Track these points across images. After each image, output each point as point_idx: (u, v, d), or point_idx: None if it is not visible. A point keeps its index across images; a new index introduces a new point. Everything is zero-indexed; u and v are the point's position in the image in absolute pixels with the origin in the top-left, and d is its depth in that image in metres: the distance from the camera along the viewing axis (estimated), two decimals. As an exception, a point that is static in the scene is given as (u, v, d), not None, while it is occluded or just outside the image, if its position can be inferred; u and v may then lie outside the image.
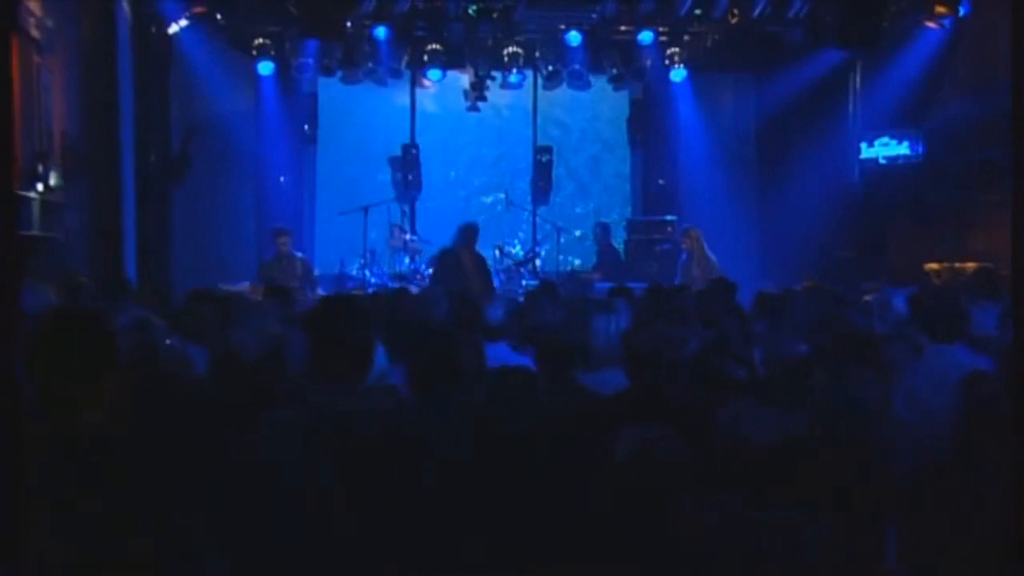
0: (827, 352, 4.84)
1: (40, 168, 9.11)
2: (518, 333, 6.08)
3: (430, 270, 13.29)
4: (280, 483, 3.14)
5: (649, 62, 14.95)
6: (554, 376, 4.66)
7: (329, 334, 3.39)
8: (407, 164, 15.51)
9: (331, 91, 15.48)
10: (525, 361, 5.24)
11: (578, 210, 15.85)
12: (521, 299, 9.65)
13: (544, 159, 15.83)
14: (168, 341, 4.24)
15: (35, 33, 9.30)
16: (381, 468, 3.08)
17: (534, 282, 12.93)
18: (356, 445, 3.13)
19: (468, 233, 12.00)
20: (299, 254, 12.37)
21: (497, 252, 13.58)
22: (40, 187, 9.13)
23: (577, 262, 14.65)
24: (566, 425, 3.23)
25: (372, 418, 3.18)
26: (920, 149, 13.14)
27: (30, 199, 8.93)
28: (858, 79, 14.54)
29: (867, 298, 7.18)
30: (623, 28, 14.52)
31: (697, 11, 13.30)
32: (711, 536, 2.63)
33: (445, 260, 11.97)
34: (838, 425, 3.35)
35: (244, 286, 10.61)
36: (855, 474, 3.22)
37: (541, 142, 15.94)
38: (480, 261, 11.98)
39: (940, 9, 12.54)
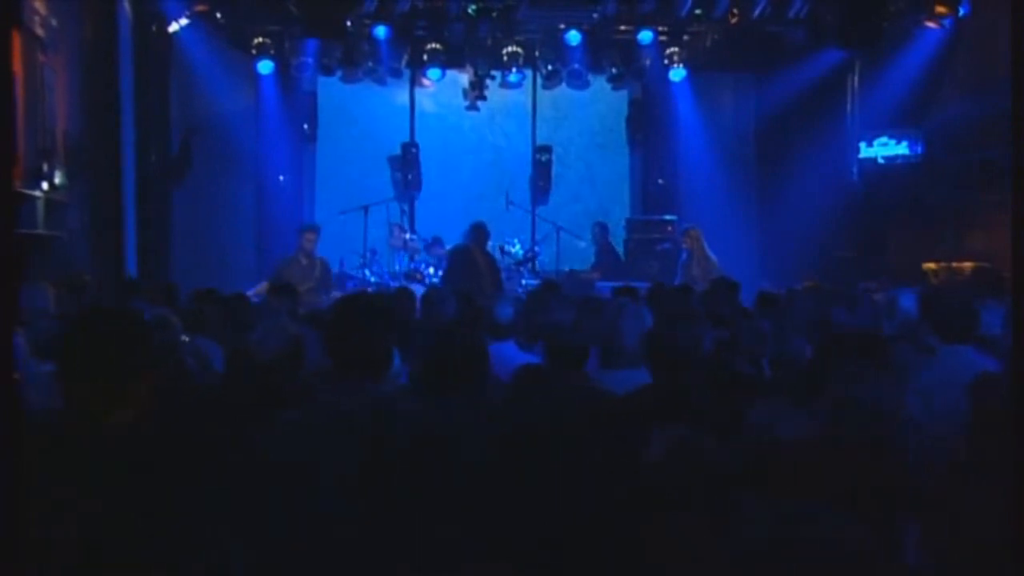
0: (833, 352, 4.84)
1: (45, 167, 9.10)
2: (525, 332, 6.09)
3: (431, 268, 13.29)
4: (300, 483, 3.15)
5: (648, 62, 14.97)
6: (565, 375, 4.67)
7: (349, 332, 3.40)
8: (407, 163, 15.52)
9: (331, 90, 15.49)
10: (534, 359, 5.27)
11: (577, 209, 15.83)
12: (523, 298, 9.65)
13: (543, 158, 15.84)
14: (185, 339, 4.25)
15: (39, 32, 9.29)
16: (401, 468, 3.09)
17: (534, 281, 12.95)
18: (376, 445, 3.13)
19: (480, 232, 12.04)
20: (319, 255, 12.15)
21: (499, 251, 13.59)
22: (45, 186, 9.11)
23: (577, 266, 14.61)
24: (587, 424, 3.23)
25: (392, 418, 3.19)
26: (919, 149, 13.16)
27: (35, 198, 8.92)
28: (856, 79, 14.57)
29: (876, 297, 7.21)
30: (622, 28, 14.53)
31: (697, 11, 13.32)
32: (744, 535, 2.64)
33: (459, 258, 11.95)
34: (856, 425, 3.37)
35: (263, 286, 10.52)
36: (875, 473, 3.24)
37: (540, 141, 15.95)
38: (491, 260, 12.06)
39: (940, 9, 12.56)
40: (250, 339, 3.94)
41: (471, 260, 11.74)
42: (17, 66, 8.56)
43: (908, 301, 5.93)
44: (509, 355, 5.44)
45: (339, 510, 3.10)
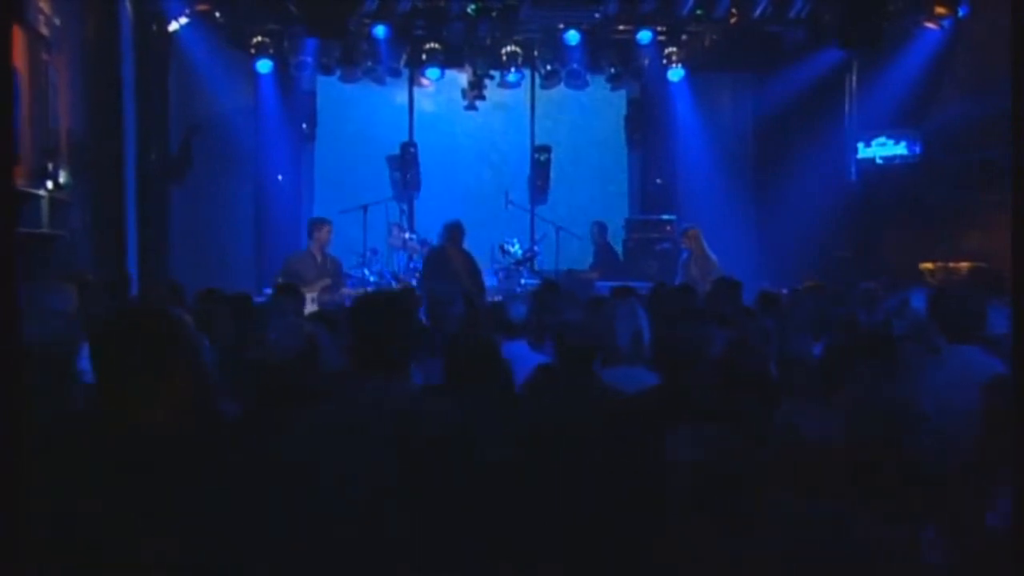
0: (843, 351, 4.86)
1: (50, 166, 9.10)
2: (535, 331, 6.12)
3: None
4: (327, 482, 3.17)
5: (647, 61, 15.01)
6: (577, 374, 4.69)
7: (374, 330, 3.41)
8: (405, 163, 15.52)
9: (330, 89, 15.50)
10: (545, 359, 5.30)
11: (576, 209, 15.83)
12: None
13: (542, 158, 15.86)
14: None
15: (44, 31, 9.29)
16: (428, 466, 3.11)
17: (532, 281, 12.95)
18: (403, 444, 3.14)
19: (454, 230, 11.73)
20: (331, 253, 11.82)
21: (500, 251, 13.61)
22: (49, 185, 9.11)
23: (576, 266, 14.62)
24: (607, 424, 3.26)
25: (420, 417, 3.20)
26: (917, 149, 13.20)
27: (39, 197, 8.92)
28: (854, 79, 14.61)
29: (883, 297, 7.25)
30: (621, 27, 14.55)
31: (698, 11, 13.34)
32: (768, 535, 2.67)
33: (433, 259, 11.72)
34: (874, 424, 3.39)
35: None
36: (896, 471, 3.27)
37: (539, 141, 15.97)
38: (469, 258, 11.69)
39: (939, 10, 12.59)
40: (267, 339, 3.95)
41: (446, 260, 11.43)
42: (22, 65, 8.57)
43: (919, 301, 5.97)
44: (522, 354, 5.47)
45: (367, 509, 3.11)
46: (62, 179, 9.41)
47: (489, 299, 10.58)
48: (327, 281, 11.11)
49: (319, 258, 11.47)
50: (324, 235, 11.55)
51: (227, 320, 6.44)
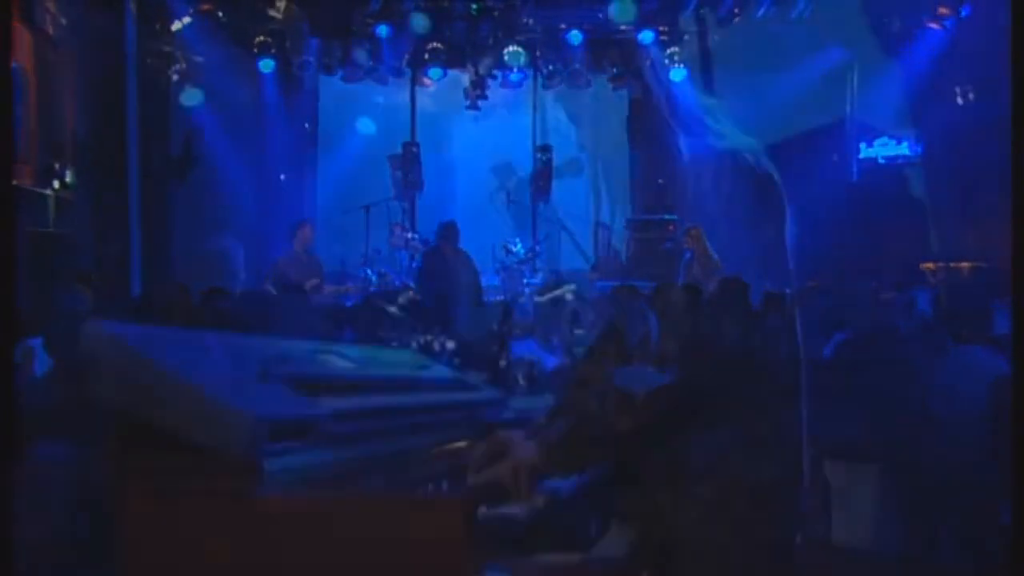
0: (851, 352, 4.88)
1: (56, 166, 9.11)
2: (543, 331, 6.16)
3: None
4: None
5: (649, 62, 15.02)
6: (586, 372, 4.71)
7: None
8: (407, 162, 15.47)
9: (332, 89, 15.50)
10: (555, 359, 5.33)
11: (577, 209, 15.84)
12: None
13: (544, 158, 15.82)
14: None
15: (50, 30, 9.30)
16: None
17: (535, 281, 12.97)
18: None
19: (449, 230, 11.73)
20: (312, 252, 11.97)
21: (504, 251, 13.62)
22: (56, 184, 9.13)
23: (577, 266, 14.63)
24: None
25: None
26: (919, 149, 13.21)
27: (46, 196, 8.93)
28: (856, 79, 14.60)
29: (888, 297, 7.28)
30: (623, 27, 14.55)
31: (701, 11, 13.36)
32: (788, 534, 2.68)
33: (429, 259, 11.69)
34: (883, 423, 3.41)
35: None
36: (904, 471, 3.29)
37: (541, 141, 15.96)
38: (465, 258, 11.67)
39: (942, 10, 12.60)
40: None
41: (442, 260, 11.44)
42: (30, 65, 8.59)
43: (924, 302, 5.99)
44: (532, 353, 5.49)
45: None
46: (68, 178, 9.42)
47: (491, 299, 10.62)
48: (316, 280, 11.19)
49: (304, 258, 11.65)
50: (307, 235, 11.79)
51: (235, 319, 6.45)
